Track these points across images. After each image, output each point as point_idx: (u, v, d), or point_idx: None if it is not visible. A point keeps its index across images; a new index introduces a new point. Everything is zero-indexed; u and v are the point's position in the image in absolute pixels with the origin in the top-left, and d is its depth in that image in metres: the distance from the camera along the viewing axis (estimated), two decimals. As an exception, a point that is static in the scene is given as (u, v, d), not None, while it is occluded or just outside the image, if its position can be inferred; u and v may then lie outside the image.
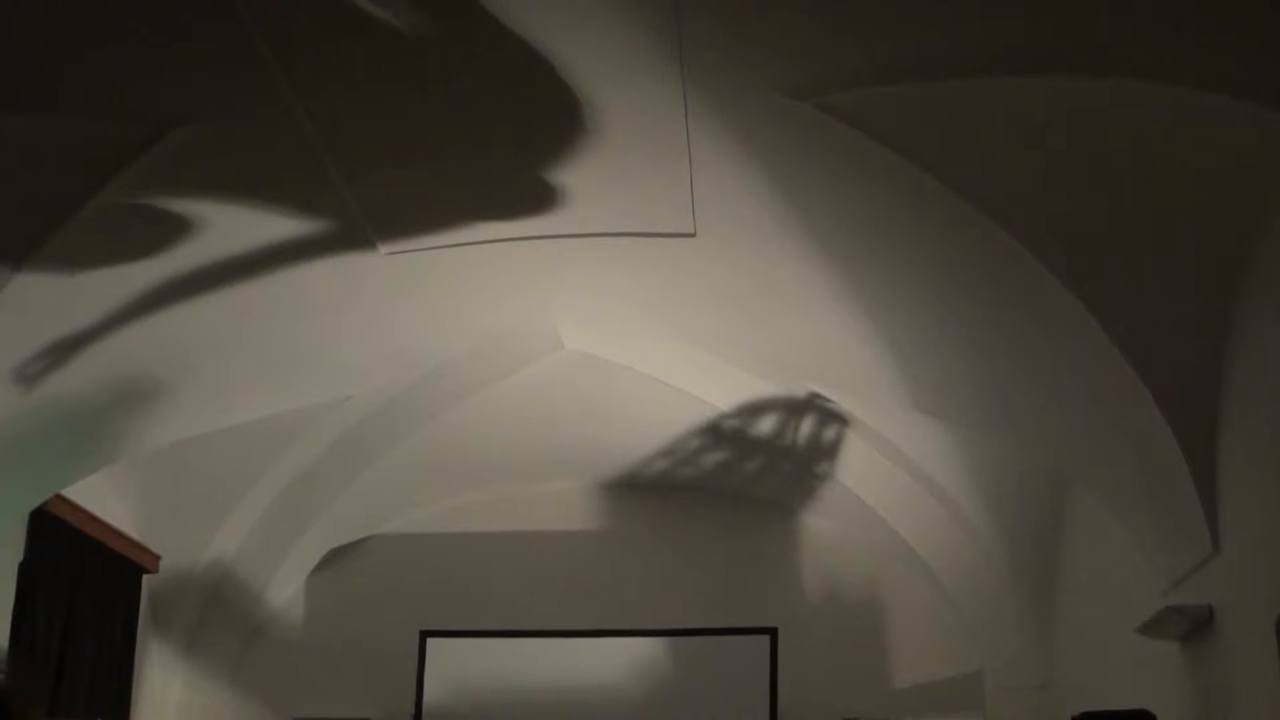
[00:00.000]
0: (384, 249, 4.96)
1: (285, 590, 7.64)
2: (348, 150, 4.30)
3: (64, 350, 4.94)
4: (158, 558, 6.87)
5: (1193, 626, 4.43)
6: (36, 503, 5.74)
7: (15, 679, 1.49)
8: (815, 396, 6.17)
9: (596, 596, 7.54)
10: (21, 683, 1.50)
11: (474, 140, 4.32)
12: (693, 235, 4.91)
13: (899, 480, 6.64)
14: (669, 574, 7.61)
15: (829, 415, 6.34)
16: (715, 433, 6.86)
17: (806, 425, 6.49)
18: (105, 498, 6.44)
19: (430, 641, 7.28)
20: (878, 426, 6.28)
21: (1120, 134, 3.71)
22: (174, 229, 4.57)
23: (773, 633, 7.09)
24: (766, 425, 6.56)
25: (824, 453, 6.72)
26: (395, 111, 4.12)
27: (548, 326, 5.90)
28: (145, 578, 6.85)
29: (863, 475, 6.78)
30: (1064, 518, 6.18)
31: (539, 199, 4.70)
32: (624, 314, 5.74)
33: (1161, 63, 3.43)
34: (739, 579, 7.58)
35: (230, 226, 4.66)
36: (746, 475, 7.32)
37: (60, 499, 5.94)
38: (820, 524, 7.58)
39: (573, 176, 4.55)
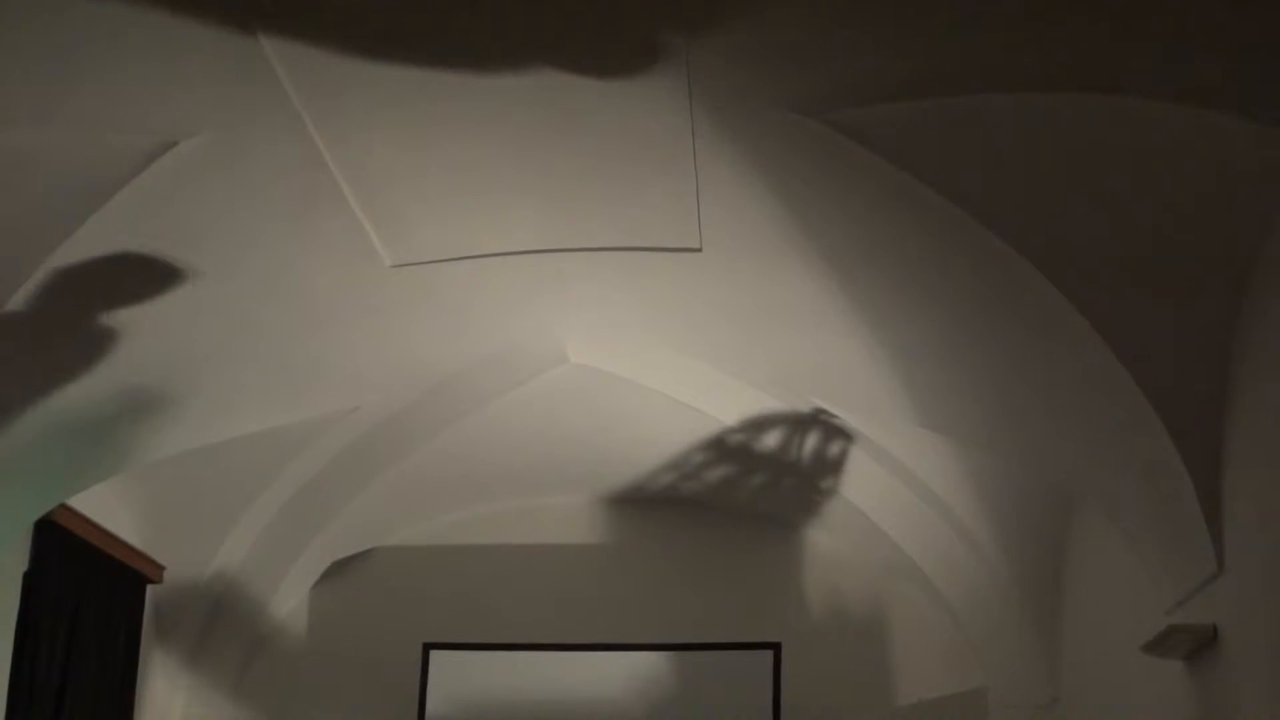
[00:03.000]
0: (390, 262, 4.97)
1: (289, 602, 7.64)
2: (356, 163, 4.31)
3: (70, 360, 4.95)
4: (162, 568, 6.86)
5: (1197, 646, 4.43)
6: (41, 512, 5.74)
7: None
8: (820, 412, 6.17)
9: (600, 610, 7.53)
10: None
11: (481, 154, 4.33)
12: (699, 250, 4.91)
13: (903, 496, 6.63)
14: (672, 588, 7.60)
15: (834, 431, 6.34)
16: (720, 447, 6.86)
17: (811, 441, 6.48)
18: (110, 508, 6.44)
19: (433, 654, 7.27)
20: (883, 442, 6.27)
21: (1126, 151, 3.71)
22: (181, 240, 4.59)
23: (776, 648, 7.07)
24: (771, 440, 6.56)
25: (829, 468, 6.71)
26: (403, 125, 4.14)
27: (553, 341, 5.90)
28: (149, 588, 6.84)
29: (867, 491, 6.77)
30: (1068, 535, 6.17)
31: (545, 213, 4.72)
32: (629, 328, 5.75)
33: (1166, 81, 3.44)
34: (742, 594, 7.57)
35: (238, 238, 4.67)
36: (751, 490, 7.32)
37: (65, 509, 5.94)
38: (824, 539, 7.57)
39: (580, 191, 4.55)
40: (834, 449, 6.51)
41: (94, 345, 4.93)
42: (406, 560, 7.78)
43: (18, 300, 4.46)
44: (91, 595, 6.25)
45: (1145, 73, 3.45)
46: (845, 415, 6.12)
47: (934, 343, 5.04)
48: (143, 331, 4.98)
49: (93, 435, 5.42)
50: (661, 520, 7.69)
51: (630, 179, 4.47)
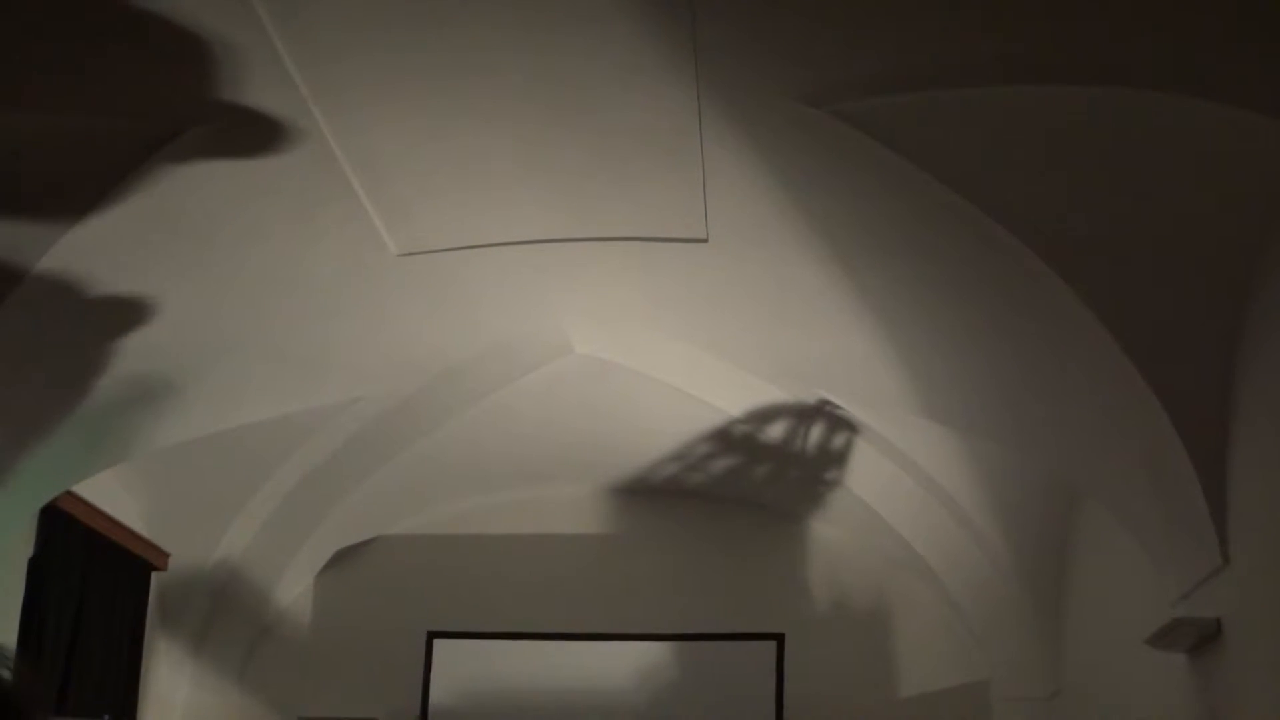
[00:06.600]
0: (397, 251, 4.97)
1: (293, 590, 7.65)
2: (362, 152, 4.31)
3: (75, 348, 4.96)
4: (167, 555, 6.88)
5: (1201, 639, 4.42)
6: (47, 499, 5.75)
7: (22, 678, 1.47)
8: (825, 403, 6.17)
9: (604, 600, 7.54)
10: (28, 682, 1.49)
11: (488, 144, 4.33)
12: (705, 241, 4.91)
13: (908, 488, 6.63)
14: (676, 579, 7.61)
15: (839, 422, 6.34)
16: (725, 438, 6.86)
17: (816, 432, 6.48)
18: (116, 495, 6.46)
19: (437, 643, 7.28)
20: (887, 434, 6.27)
21: (1133, 144, 3.71)
22: (187, 228, 4.59)
23: (779, 639, 7.08)
24: (776, 431, 6.56)
25: (833, 460, 6.71)
26: (410, 115, 4.14)
27: (558, 330, 5.90)
28: (154, 575, 6.87)
29: (872, 483, 6.78)
30: (1073, 527, 6.17)
31: (552, 202, 4.71)
32: (635, 318, 5.75)
33: (1175, 75, 3.43)
34: (746, 585, 7.57)
35: (244, 227, 4.67)
36: (755, 481, 7.32)
37: (71, 496, 5.95)
38: (828, 531, 7.58)
39: (586, 180, 4.55)
40: (838, 440, 6.51)
41: (99, 333, 4.94)
42: (411, 549, 7.79)
43: (26, 286, 4.46)
44: (97, 582, 6.26)
45: (1151, 66, 3.44)
46: (850, 406, 6.12)
47: (939, 334, 5.04)
48: (149, 320, 4.98)
49: (99, 422, 5.43)
50: (666, 511, 7.70)
51: (637, 170, 4.47)
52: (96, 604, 6.25)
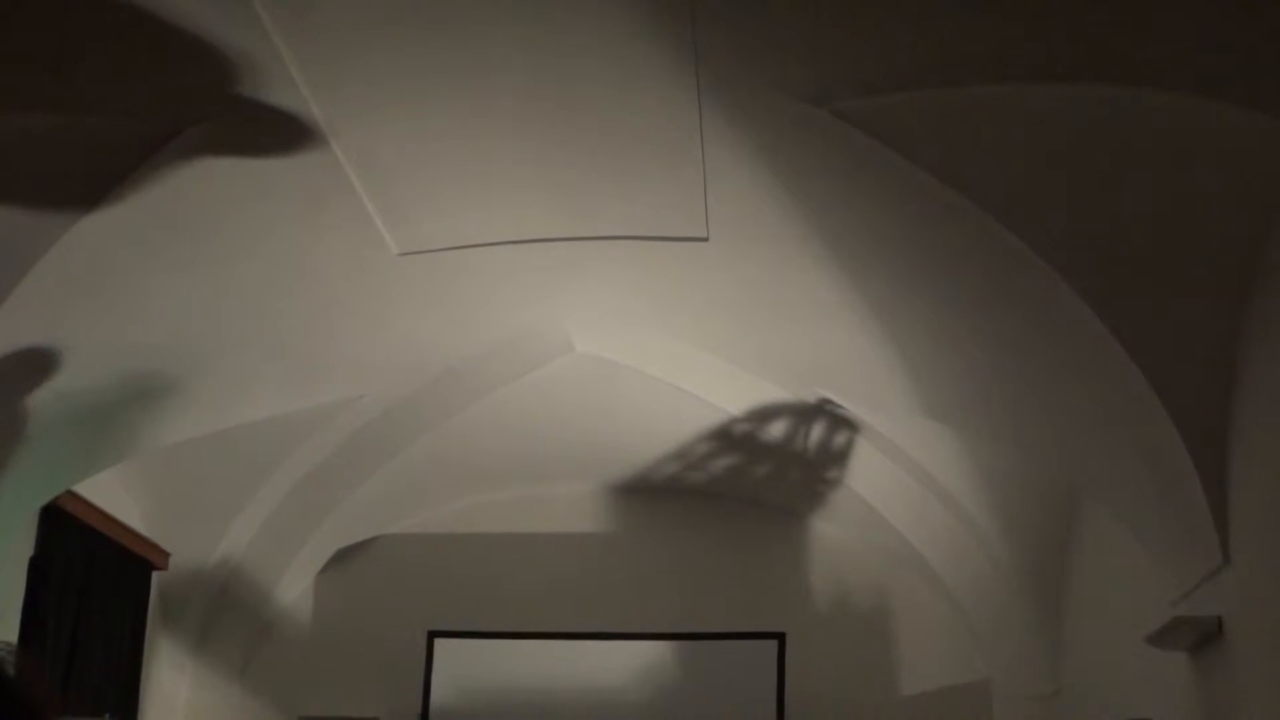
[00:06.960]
0: (398, 250, 4.97)
1: (294, 589, 7.65)
2: (364, 151, 4.31)
3: (77, 346, 4.96)
4: (168, 555, 6.88)
5: (1202, 637, 4.43)
6: (48, 498, 5.75)
7: (32, 677, 1.46)
8: (826, 402, 6.17)
9: (604, 599, 7.55)
10: (38, 682, 1.48)
11: (489, 143, 4.33)
12: (705, 240, 4.91)
13: (908, 487, 6.63)
14: (677, 578, 7.61)
15: (839, 421, 6.34)
16: (725, 437, 6.86)
17: (817, 431, 6.48)
18: (116, 494, 6.45)
19: (438, 642, 7.29)
20: (888, 433, 6.27)
21: (1135, 144, 3.71)
22: (189, 226, 4.59)
23: (780, 638, 7.08)
24: (777, 430, 6.56)
25: (834, 458, 6.72)
26: (411, 114, 4.14)
27: (559, 329, 5.90)
28: (155, 574, 6.86)
29: (872, 482, 6.78)
30: (1073, 526, 6.17)
31: (552, 202, 4.72)
32: (636, 317, 5.75)
33: (1177, 74, 3.43)
34: (747, 584, 7.57)
35: (245, 225, 4.67)
36: (756, 480, 7.32)
37: (72, 495, 5.95)
38: (829, 530, 7.58)
39: (586, 179, 4.55)
40: (839, 439, 6.51)
41: (100, 331, 4.93)
42: (411, 548, 7.79)
43: (27, 283, 4.46)
44: (97, 581, 6.26)
45: (1151, 66, 3.44)
46: (851, 406, 6.12)
47: (940, 334, 5.04)
48: (149, 318, 4.99)
49: (99, 421, 5.43)
50: (667, 509, 7.70)
51: (638, 168, 4.47)
52: (97, 603, 6.25)
